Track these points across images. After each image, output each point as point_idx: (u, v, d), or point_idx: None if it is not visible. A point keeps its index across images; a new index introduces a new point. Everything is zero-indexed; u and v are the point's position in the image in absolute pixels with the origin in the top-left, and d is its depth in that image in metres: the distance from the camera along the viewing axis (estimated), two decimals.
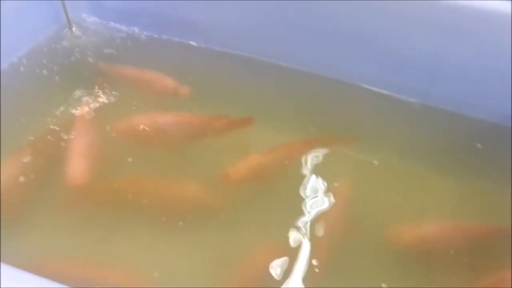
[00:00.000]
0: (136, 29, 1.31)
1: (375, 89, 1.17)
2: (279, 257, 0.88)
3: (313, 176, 1.01)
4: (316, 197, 0.97)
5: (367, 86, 1.17)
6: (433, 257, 0.90)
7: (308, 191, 0.98)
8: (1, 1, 1.11)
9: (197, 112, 1.12)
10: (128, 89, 1.16)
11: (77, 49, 1.26)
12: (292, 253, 0.88)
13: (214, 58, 1.26)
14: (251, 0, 1.15)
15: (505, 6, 0.97)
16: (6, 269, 0.62)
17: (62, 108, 1.11)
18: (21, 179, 0.96)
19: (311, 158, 1.04)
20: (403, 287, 0.85)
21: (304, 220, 0.93)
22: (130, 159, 1.02)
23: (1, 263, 0.63)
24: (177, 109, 1.12)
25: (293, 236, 0.91)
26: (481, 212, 0.98)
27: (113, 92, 1.15)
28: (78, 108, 1.11)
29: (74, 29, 1.30)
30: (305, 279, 0.85)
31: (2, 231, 0.88)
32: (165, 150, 1.06)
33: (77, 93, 1.15)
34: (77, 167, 0.98)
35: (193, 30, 1.26)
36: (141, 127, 1.06)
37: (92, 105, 1.12)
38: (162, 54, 1.27)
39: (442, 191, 1.01)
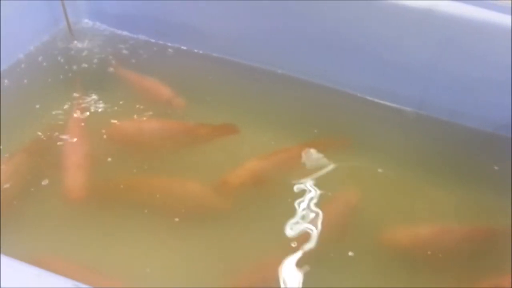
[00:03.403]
0: (135, 35, 1.32)
1: (369, 97, 1.19)
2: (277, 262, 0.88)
3: (311, 180, 1.02)
4: (314, 201, 0.98)
5: (361, 95, 1.19)
6: (427, 259, 0.91)
7: (306, 196, 0.99)
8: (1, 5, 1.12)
9: (191, 119, 1.12)
10: (125, 95, 1.17)
11: (76, 53, 1.27)
12: (290, 256, 0.89)
13: (212, 64, 1.27)
14: (250, 6, 1.17)
15: (498, 18, 1.00)
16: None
17: (58, 112, 1.11)
18: (14, 182, 0.95)
19: (310, 163, 1.05)
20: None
21: (303, 224, 0.94)
22: (121, 164, 1.02)
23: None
24: (172, 116, 1.13)
25: (292, 239, 0.91)
26: (475, 216, 0.99)
27: (110, 97, 1.15)
28: (74, 112, 1.11)
29: (74, 33, 1.31)
30: (303, 281, 0.86)
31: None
32: (155, 157, 1.05)
33: (73, 97, 1.15)
34: (75, 180, 0.97)
35: (192, 36, 1.27)
36: (130, 133, 1.08)
37: (87, 109, 1.12)
38: (161, 59, 1.28)
39: (438, 197, 1.03)
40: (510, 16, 1.00)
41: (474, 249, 0.93)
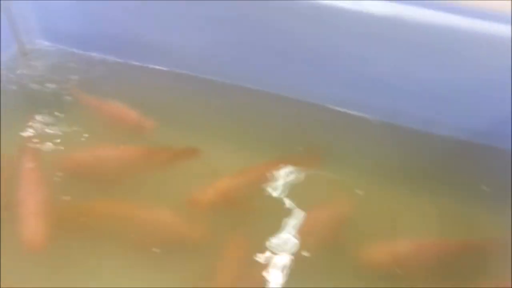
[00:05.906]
0: (94, 54, 1.25)
1: (339, 108, 1.16)
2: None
3: (285, 197, 0.99)
4: (289, 219, 0.95)
5: (331, 106, 1.16)
6: (408, 275, 0.89)
7: (281, 213, 0.96)
8: None
9: (162, 143, 1.08)
10: (86, 122, 1.10)
11: (31, 76, 1.20)
12: (269, 277, 0.87)
13: (178, 82, 1.22)
14: (215, 20, 1.13)
15: (466, 23, 0.98)
16: None
17: (14, 141, 1.04)
18: None
19: (282, 179, 1.02)
20: None
21: (279, 243, 0.91)
22: (80, 200, 0.96)
23: None
24: (138, 140, 1.08)
25: (268, 259, 0.89)
26: (453, 229, 0.98)
27: (68, 125, 1.08)
28: (30, 142, 1.04)
29: (27, 54, 1.24)
30: None
31: None
32: (116, 187, 1.00)
33: (27, 126, 1.08)
34: (34, 230, 0.88)
35: (153, 53, 1.22)
36: (85, 165, 1.02)
37: (43, 141, 1.05)
38: (121, 80, 1.22)
39: (416, 210, 1.00)
40: (478, 21, 0.98)
41: (456, 264, 0.91)
